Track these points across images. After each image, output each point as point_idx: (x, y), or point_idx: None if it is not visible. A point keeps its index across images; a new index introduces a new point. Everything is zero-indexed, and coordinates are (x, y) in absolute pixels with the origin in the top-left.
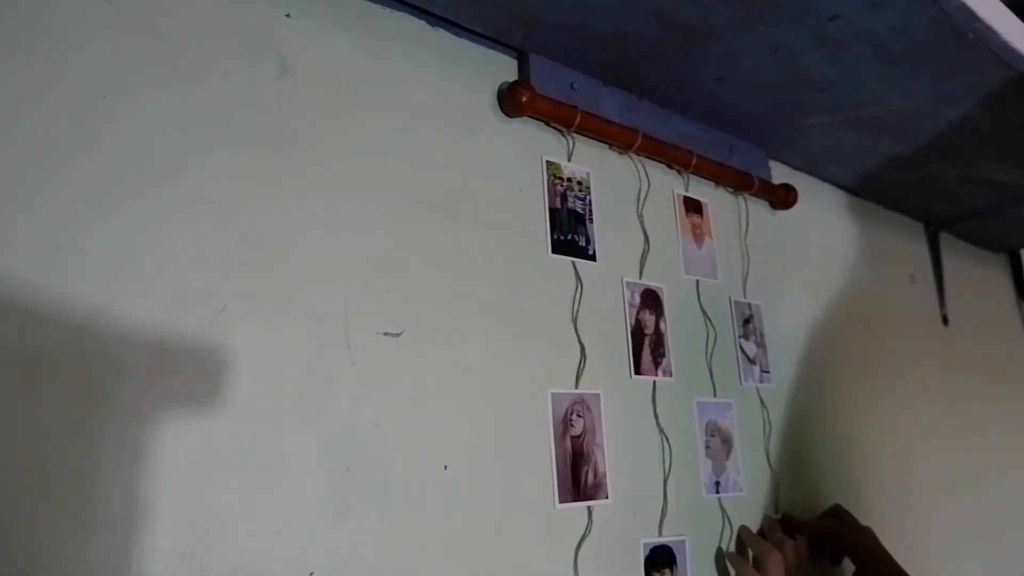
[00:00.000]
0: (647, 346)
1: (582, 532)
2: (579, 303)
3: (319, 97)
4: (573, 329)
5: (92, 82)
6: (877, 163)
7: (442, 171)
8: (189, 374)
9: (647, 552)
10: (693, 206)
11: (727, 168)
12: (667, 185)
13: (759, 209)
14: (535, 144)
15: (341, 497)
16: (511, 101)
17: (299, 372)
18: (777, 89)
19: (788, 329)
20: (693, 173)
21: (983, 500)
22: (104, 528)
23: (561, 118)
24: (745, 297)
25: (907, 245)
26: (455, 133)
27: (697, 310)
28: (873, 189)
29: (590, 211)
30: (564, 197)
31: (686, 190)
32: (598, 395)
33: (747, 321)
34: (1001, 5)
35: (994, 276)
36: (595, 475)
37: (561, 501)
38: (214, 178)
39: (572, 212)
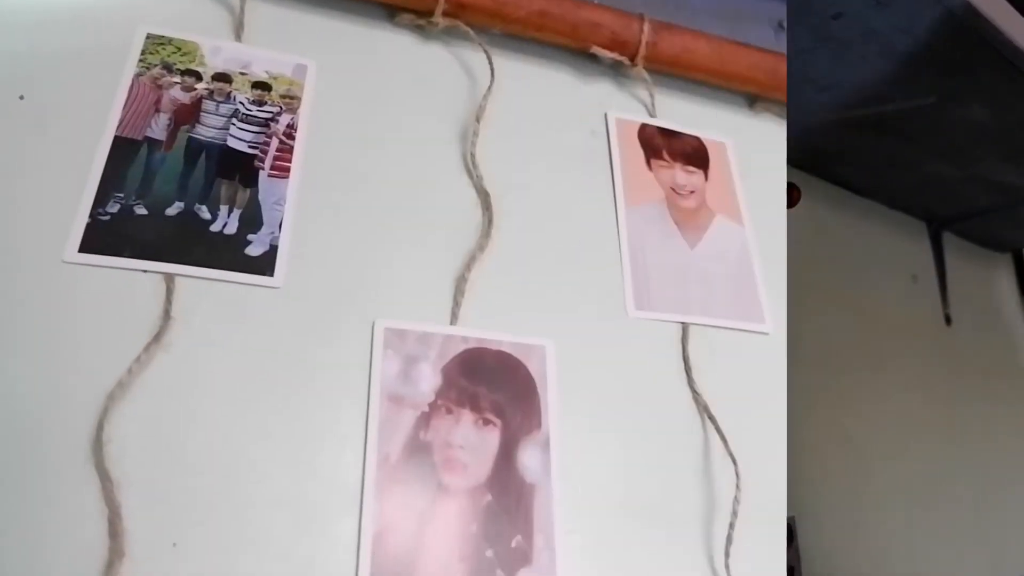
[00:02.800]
0: None
1: None
2: None
3: None
4: None
5: None
6: (880, 162)
7: None
8: None
9: None
10: None
11: None
12: None
13: None
14: None
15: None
16: None
17: None
18: None
19: (788, 328)
20: None
21: (984, 500)
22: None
23: None
24: None
25: (909, 244)
26: None
27: None
28: (875, 188)
29: None
30: None
31: None
32: None
33: None
34: (1006, 4)
35: (998, 276)
36: None
37: None
38: None
39: None
